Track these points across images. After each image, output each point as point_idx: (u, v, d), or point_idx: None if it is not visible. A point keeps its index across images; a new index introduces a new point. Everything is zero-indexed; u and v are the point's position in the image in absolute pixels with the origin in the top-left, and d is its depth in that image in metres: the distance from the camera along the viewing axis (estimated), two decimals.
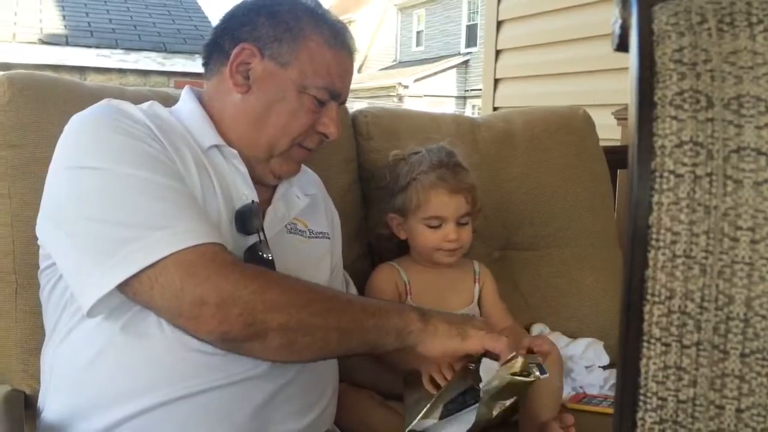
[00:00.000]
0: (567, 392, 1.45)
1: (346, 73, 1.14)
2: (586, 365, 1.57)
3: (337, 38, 1.11)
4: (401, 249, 1.43)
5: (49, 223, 0.98)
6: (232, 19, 1.13)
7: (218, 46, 1.12)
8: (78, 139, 0.98)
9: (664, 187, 0.33)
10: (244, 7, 1.13)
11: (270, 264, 1.03)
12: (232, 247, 1.01)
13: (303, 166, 1.22)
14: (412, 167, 1.37)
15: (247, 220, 1.04)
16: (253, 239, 1.04)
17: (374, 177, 1.56)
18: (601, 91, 2.57)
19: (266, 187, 1.15)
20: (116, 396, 0.93)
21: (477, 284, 1.42)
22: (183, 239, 0.89)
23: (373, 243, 1.56)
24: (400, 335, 0.98)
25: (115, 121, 0.97)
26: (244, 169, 1.08)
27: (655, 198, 0.33)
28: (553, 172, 1.75)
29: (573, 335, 1.65)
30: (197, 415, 0.94)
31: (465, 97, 18.57)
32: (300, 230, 1.19)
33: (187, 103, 1.14)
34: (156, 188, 0.93)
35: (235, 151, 1.08)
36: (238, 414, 0.96)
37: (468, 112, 16.83)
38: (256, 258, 1.03)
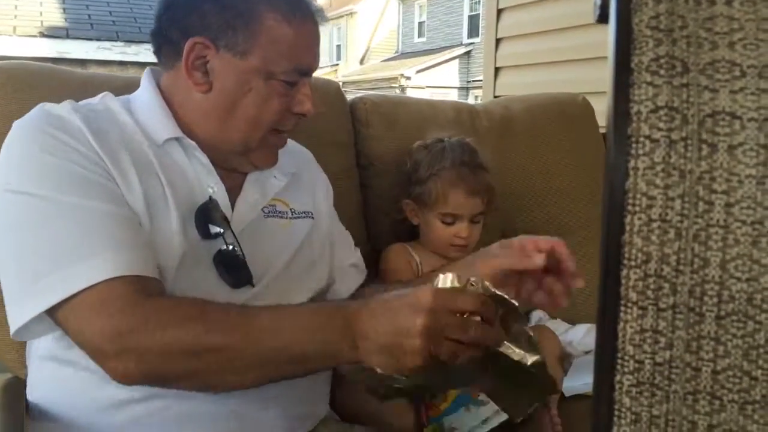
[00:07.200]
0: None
1: (313, 45, 1.04)
2: (585, 351, 1.58)
3: (295, 9, 1.00)
4: (412, 234, 1.45)
5: None
6: (173, 6, 1.01)
7: (166, 37, 1.02)
8: (8, 156, 0.94)
9: (640, 152, 0.33)
10: None
11: (242, 264, 0.99)
12: (197, 251, 0.96)
13: (289, 142, 1.16)
14: (434, 160, 1.38)
15: (208, 219, 0.98)
16: (219, 243, 0.98)
17: (373, 165, 1.57)
18: (601, 78, 2.56)
19: (237, 173, 1.09)
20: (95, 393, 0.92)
21: None
22: (91, 275, 0.84)
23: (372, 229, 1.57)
24: (328, 362, 0.91)
25: (46, 137, 0.92)
26: (205, 159, 1.02)
27: (631, 163, 0.33)
28: (552, 158, 1.75)
29: (572, 321, 1.65)
30: (170, 417, 0.93)
31: (468, 88, 18.53)
32: (280, 212, 1.12)
33: (145, 91, 1.06)
34: (80, 214, 0.88)
35: (194, 143, 1.02)
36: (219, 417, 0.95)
37: (471, 102, 16.79)
38: (225, 260, 0.98)
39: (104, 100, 1.04)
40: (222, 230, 0.98)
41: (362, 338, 0.83)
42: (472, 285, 0.85)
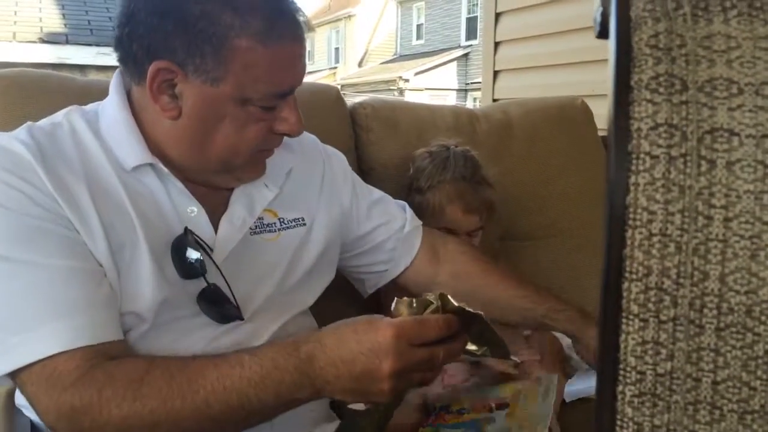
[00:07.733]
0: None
1: (293, 64, 0.92)
2: None
3: (273, 29, 0.87)
4: None
5: None
6: (133, 20, 0.88)
7: (129, 52, 0.90)
8: None
9: (641, 168, 0.34)
10: (142, 3, 0.88)
11: (226, 303, 0.94)
12: (178, 290, 0.91)
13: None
14: (435, 170, 1.36)
15: (185, 254, 0.90)
16: (202, 280, 0.92)
17: (374, 169, 1.58)
18: (600, 81, 2.58)
19: (220, 189, 1.01)
20: None
21: None
22: (45, 346, 0.80)
23: None
24: (290, 407, 0.85)
25: None
26: (179, 184, 0.95)
27: (632, 179, 0.34)
28: (551, 161, 1.76)
29: None
30: None
31: (466, 90, 18.57)
32: (267, 225, 1.04)
33: (113, 105, 0.96)
34: (36, 274, 0.81)
35: (166, 170, 0.94)
36: None
37: (469, 104, 16.84)
38: (210, 297, 0.93)
39: (69, 116, 0.96)
40: (203, 269, 0.92)
41: (323, 382, 0.81)
42: (431, 303, 0.83)
